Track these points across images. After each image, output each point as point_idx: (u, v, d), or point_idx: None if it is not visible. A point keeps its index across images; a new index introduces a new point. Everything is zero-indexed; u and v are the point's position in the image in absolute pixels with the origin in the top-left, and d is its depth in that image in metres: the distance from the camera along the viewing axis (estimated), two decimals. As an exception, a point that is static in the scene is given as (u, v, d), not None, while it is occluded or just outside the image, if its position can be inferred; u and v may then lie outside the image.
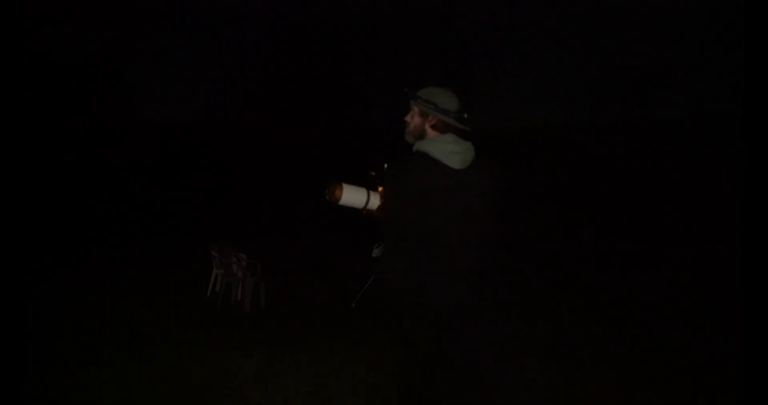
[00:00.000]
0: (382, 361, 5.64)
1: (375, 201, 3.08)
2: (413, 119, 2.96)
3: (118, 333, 6.41)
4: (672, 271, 12.24)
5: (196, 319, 7.26)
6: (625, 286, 10.63)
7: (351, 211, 3.18)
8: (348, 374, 5.21)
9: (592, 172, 24.57)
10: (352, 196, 3.14)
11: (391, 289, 2.78)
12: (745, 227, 3.53)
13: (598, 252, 14.44)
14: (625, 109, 30.25)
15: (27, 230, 3.62)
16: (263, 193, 23.17)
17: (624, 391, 5.05)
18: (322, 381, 5.03)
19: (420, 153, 2.87)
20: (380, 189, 3.10)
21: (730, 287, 9.49)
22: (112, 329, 6.57)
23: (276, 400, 4.63)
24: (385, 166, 3.05)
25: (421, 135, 2.93)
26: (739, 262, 3.67)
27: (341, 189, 3.14)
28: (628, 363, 5.85)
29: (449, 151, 2.80)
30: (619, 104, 30.56)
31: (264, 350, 5.80)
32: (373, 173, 3.19)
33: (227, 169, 24.17)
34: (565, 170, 25.25)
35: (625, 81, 30.36)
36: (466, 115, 2.91)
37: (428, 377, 2.73)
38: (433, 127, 2.89)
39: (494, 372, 3.53)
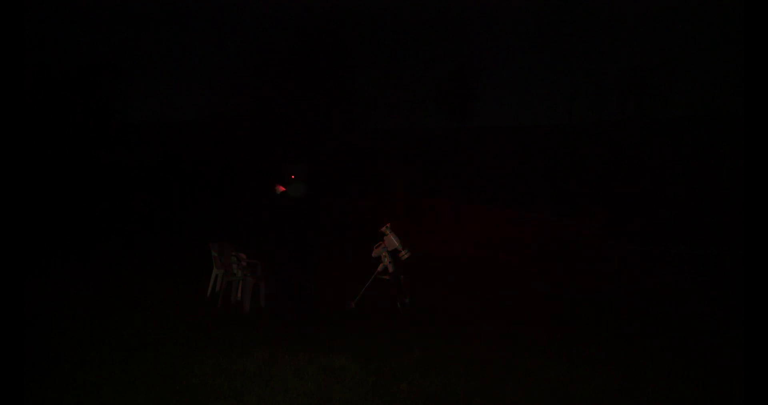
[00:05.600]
0: (382, 361, 5.65)
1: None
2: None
3: (118, 333, 6.40)
4: (672, 270, 12.24)
5: (196, 319, 7.25)
6: (626, 287, 10.63)
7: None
8: (348, 374, 5.21)
9: (593, 172, 24.56)
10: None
11: None
12: (745, 227, 3.53)
13: (599, 252, 14.42)
14: (625, 109, 30.22)
15: (27, 231, 3.61)
16: (263, 193, 23.10)
17: (624, 391, 5.06)
18: (322, 381, 5.03)
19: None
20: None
21: (730, 287, 9.49)
22: (112, 329, 6.57)
23: (276, 400, 4.63)
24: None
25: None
26: (739, 262, 3.67)
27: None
28: (628, 363, 5.85)
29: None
30: (619, 104, 30.53)
31: (264, 350, 5.80)
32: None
33: (227, 169, 24.13)
34: (565, 170, 25.24)
35: (625, 81, 30.32)
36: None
37: None
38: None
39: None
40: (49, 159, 19.87)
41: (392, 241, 8.09)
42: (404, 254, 8.09)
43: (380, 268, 8.19)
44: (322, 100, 24.10)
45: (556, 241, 16.70)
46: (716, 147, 22.88)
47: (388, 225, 8.17)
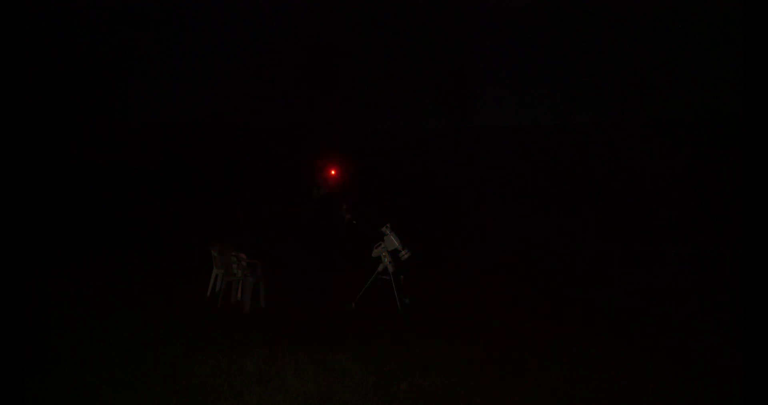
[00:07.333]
0: (382, 361, 5.65)
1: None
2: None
3: (118, 333, 6.40)
4: (672, 270, 12.24)
5: (196, 319, 7.25)
6: (626, 287, 10.64)
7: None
8: (348, 374, 5.21)
9: (592, 172, 24.57)
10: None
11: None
12: (745, 227, 3.53)
13: (598, 252, 14.43)
14: (625, 109, 30.26)
15: (27, 231, 3.61)
16: (263, 193, 23.14)
17: (624, 391, 5.06)
18: (322, 381, 5.04)
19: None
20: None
21: (730, 287, 9.49)
22: (111, 329, 6.57)
23: (276, 400, 4.63)
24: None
25: None
26: (739, 262, 3.67)
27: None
28: (628, 363, 5.85)
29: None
30: (619, 104, 30.56)
31: (264, 350, 5.81)
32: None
33: (226, 169, 24.13)
34: (565, 170, 25.25)
35: (625, 81, 30.36)
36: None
37: None
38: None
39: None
40: (49, 159, 19.86)
41: (392, 241, 8.09)
42: (404, 254, 8.09)
43: (380, 268, 8.20)
44: (323, 100, 24.12)
45: (555, 240, 16.71)
46: (716, 147, 22.89)
47: (388, 225, 8.18)
